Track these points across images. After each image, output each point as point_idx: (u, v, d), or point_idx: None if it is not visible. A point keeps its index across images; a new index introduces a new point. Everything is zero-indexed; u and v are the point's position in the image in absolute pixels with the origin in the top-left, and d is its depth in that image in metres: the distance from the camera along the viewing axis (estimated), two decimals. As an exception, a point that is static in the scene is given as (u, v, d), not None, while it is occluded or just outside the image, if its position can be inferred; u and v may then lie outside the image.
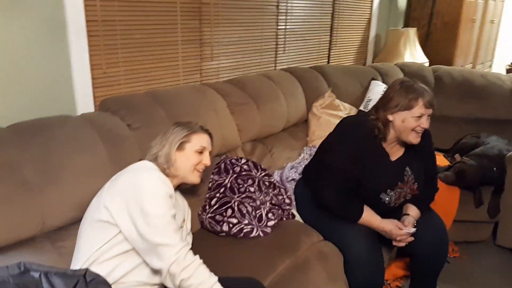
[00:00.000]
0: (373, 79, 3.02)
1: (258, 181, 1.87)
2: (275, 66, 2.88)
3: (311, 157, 2.05)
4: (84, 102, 1.78)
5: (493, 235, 2.55)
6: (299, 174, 2.14)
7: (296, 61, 3.06)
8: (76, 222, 1.38)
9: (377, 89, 2.86)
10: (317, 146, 1.98)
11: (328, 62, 3.42)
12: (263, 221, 1.72)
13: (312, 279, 1.57)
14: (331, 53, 3.43)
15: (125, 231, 1.22)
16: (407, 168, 1.79)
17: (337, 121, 1.89)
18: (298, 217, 1.94)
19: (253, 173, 1.91)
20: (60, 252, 1.34)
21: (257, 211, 1.73)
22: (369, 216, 1.72)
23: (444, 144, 2.81)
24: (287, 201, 1.94)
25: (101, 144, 1.51)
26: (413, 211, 1.80)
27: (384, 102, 1.71)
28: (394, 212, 1.80)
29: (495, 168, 2.38)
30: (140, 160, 1.47)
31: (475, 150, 2.56)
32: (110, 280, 1.19)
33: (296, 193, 2.03)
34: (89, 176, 1.43)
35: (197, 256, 1.22)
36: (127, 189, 1.23)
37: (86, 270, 1.11)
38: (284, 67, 2.86)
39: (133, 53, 1.96)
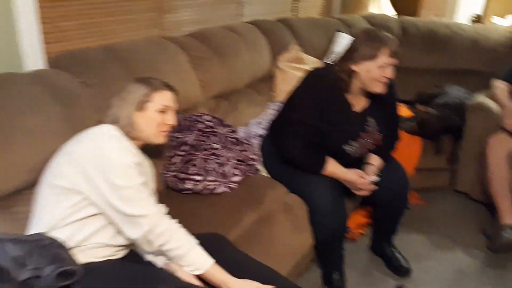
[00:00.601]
0: (338, 31, 2.97)
1: (223, 138, 1.84)
2: (240, 19, 2.77)
3: (277, 112, 2.02)
4: (34, 59, 1.65)
5: (451, 182, 2.65)
6: (265, 130, 2.12)
7: (261, 14, 2.95)
8: (30, 186, 1.32)
9: (342, 42, 2.82)
10: (282, 101, 1.95)
11: (295, 15, 3.33)
12: (228, 177, 1.71)
13: (278, 230, 1.60)
14: (298, 5, 3.32)
15: (95, 201, 1.17)
16: (370, 119, 1.80)
17: (303, 75, 1.85)
18: (263, 172, 1.95)
19: (218, 130, 1.87)
20: (15, 218, 1.29)
21: (222, 168, 1.71)
22: (333, 168, 1.74)
23: (408, 95, 2.85)
24: (253, 156, 1.93)
25: (53, 103, 1.42)
26: (375, 161, 1.83)
27: (349, 53, 1.69)
28: (359, 163, 1.83)
29: (456, 117, 2.45)
30: (99, 123, 1.39)
31: (436, 100, 2.61)
32: (71, 243, 1.15)
33: (262, 148, 2.03)
34: (41, 137, 1.35)
35: (173, 220, 1.20)
36: (91, 161, 1.16)
37: (41, 234, 1.08)
38: (249, 20, 2.76)
39: (87, 5, 1.83)
